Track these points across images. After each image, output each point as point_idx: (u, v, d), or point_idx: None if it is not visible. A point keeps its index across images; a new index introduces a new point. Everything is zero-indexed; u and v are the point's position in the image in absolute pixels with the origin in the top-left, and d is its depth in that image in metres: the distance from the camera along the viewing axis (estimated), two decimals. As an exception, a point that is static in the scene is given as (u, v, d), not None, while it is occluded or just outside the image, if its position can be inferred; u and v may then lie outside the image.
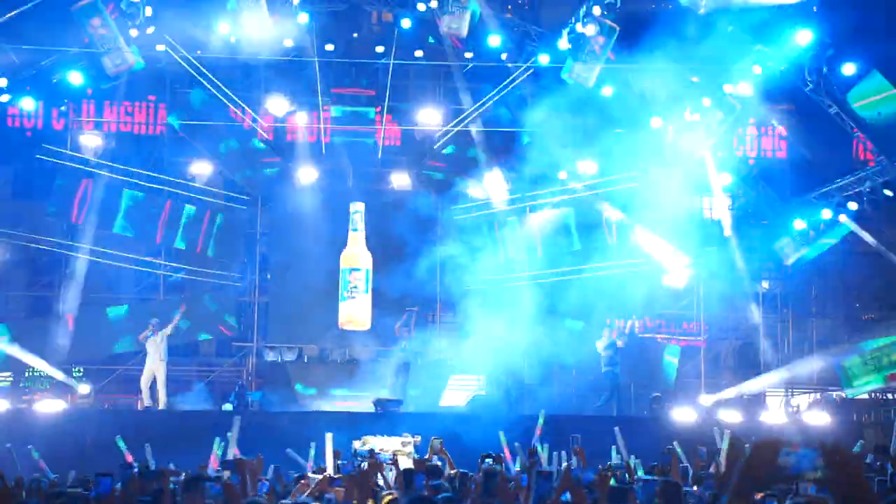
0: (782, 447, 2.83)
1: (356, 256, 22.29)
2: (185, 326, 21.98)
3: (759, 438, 2.92)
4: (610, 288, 22.30)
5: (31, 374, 21.76)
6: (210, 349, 23.49)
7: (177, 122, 22.45)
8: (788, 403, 20.94)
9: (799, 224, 21.26)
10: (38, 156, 21.44)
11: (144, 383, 19.60)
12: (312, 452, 12.60)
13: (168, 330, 19.64)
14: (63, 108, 22.33)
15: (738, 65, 20.16)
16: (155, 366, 19.54)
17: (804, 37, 19.46)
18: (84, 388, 20.58)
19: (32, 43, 19.53)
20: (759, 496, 6.51)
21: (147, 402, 19.54)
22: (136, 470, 9.22)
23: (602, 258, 22.21)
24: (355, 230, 22.31)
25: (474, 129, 22.90)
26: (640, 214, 21.87)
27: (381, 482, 8.93)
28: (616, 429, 12.89)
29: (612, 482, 7.01)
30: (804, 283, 22.36)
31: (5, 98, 19.89)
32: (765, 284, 22.65)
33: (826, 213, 21.13)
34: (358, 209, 22.37)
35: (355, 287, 22.08)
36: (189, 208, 22.29)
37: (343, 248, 22.29)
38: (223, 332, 22.92)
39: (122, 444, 12.36)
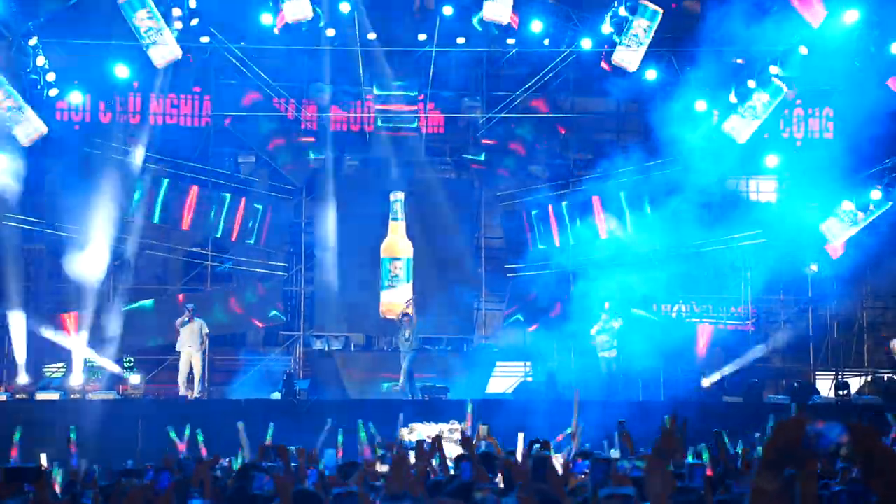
0: (807, 424, 2.83)
1: (396, 245, 22.41)
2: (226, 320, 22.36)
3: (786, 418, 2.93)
4: (655, 273, 22.20)
5: (83, 364, 22.01)
6: (257, 338, 23.66)
7: (221, 115, 22.57)
8: (839, 386, 20.71)
9: (847, 205, 21.00)
10: (86, 149, 21.68)
11: (183, 373, 19.65)
12: (340, 439, 12.63)
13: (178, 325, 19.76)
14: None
15: (785, 45, 19.93)
16: (188, 354, 19.60)
17: (851, 16, 19.19)
18: (135, 379, 20.82)
19: (79, 37, 19.72)
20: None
21: (183, 391, 19.55)
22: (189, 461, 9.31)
23: (642, 243, 22.12)
24: (396, 219, 22.40)
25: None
26: (686, 197, 21.73)
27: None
28: (667, 417, 12.77)
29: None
30: (853, 264, 22.05)
31: (54, 92, 20.10)
32: (813, 267, 22.39)
33: (875, 194, 20.86)
34: (398, 198, 22.44)
35: (396, 276, 22.20)
36: (232, 198, 22.42)
37: (386, 234, 22.41)
38: (260, 327, 23.18)
39: (174, 435, 12.46)
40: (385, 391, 20.24)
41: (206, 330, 19.83)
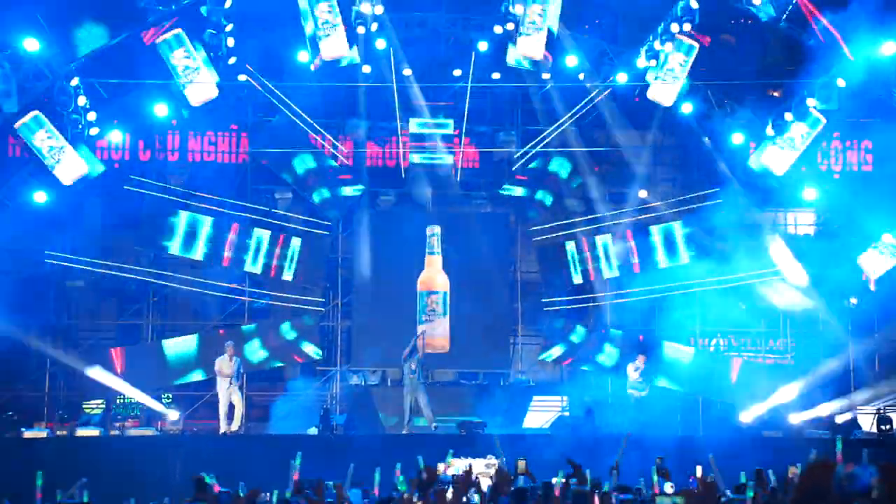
0: (837, 467, 2.80)
1: (433, 280, 22.45)
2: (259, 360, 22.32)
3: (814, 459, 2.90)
4: (693, 306, 22.11)
5: (122, 400, 22.18)
6: (294, 373, 23.70)
7: (265, 158, 22.77)
8: (881, 420, 20.41)
9: (888, 238, 20.80)
10: (125, 187, 21.94)
11: (224, 410, 19.71)
12: (377, 478, 12.59)
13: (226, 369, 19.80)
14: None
15: (822, 77, 19.85)
16: (228, 391, 19.65)
17: (889, 48, 19.09)
18: (173, 415, 20.94)
19: (119, 77, 20.00)
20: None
21: (225, 428, 19.57)
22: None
23: (680, 277, 22.02)
24: (432, 253, 22.46)
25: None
26: (723, 231, 21.65)
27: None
28: (710, 456, 12.68)
29: None
30: (894, 297, 21.81)
31: (95, 131, 20.36)
32: (853, 300, 22.15)
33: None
34: (434, 232, 22.52)
35: (433, 311, 22.24)
36: (268, 235, 22.53)
37: (422, 269, 22.42)
38: (296, 361, 23.11)
39: (209, 479, 12.49)
40: (430, 429, 20.02)
41: (241, 368, 19.94)
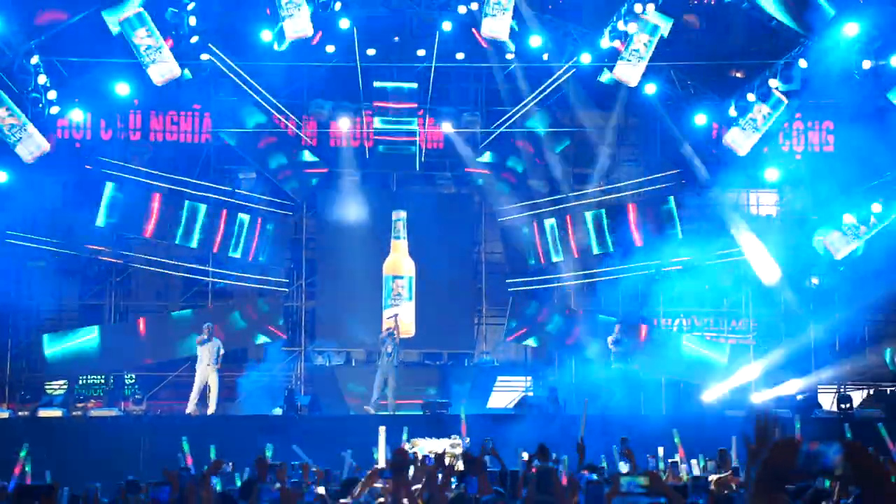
0: (801, 444, 2.83)
1: (399, 264, 22.37)
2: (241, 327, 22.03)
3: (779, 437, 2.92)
4: (656, 286, 22.22)
5: (84, 381, 22.02)
6: (258, 354, 23.64)
7: (228, 137, 22.55)
8: (841, 399, 20.66)
9: (848, 218, 20.99)
10: (87, 166, 21.71)
11: (196, 390, 19.51)
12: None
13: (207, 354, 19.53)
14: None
15: (785, 59, 19.98)
16: (207, 372, 19.55)
17: (851, 29, 19.23)
18: (136, 396, 20.79)
19: (80, 55, 19.76)
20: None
21: (192, 409, 19.43)
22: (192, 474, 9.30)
23: (640, 258, 22.09)
24: (398, 238, 22.38)
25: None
26: (687, 211, 21.77)
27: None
28: (674, 430, 12.80)
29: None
30: (855, 278, 22.05)
31: (55, 110, 20.12)
32: (814, 280, 22.37)
33: (876, 207, 20.85)
34: (400, 217, 22.41)
35: (398, 294, 22.17)
36: (204, 208, 22.27)
37: (387, 250, 22.37)
38: (277, 335, 22.86)
39: (186, 447, 12.48)
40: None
41: (222, 350, 19.63)
